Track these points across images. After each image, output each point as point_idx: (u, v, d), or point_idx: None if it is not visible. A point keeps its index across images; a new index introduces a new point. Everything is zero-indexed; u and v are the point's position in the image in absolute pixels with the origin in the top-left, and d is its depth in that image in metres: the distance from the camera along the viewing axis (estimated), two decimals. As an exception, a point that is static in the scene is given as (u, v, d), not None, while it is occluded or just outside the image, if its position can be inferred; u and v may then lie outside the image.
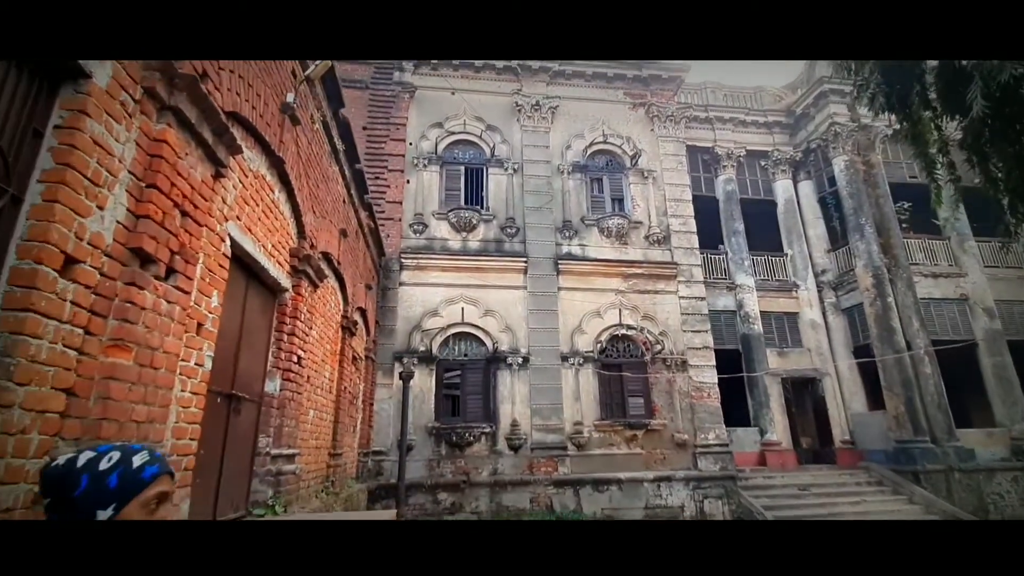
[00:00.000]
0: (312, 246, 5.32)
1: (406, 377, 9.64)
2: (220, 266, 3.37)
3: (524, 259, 11.87)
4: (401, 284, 11.38)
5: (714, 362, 11.93)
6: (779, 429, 13.28)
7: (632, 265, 12.27)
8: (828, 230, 15.23)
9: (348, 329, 7.59)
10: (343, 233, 6.89)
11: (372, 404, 10.20)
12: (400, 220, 11.86)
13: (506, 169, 12.67)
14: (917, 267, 13.82)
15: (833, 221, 15.06)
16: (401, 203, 11.97)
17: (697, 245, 12.80)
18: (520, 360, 11.13)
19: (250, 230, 3.84)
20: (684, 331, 12.01)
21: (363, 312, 9.10)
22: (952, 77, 5.88)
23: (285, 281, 4.73)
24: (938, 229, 14.49)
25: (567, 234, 12.36)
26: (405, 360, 10.71)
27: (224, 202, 3.40)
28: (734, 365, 13.40)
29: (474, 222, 12.02)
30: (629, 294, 12.09)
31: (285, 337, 4.80)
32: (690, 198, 13.24)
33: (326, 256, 6.04)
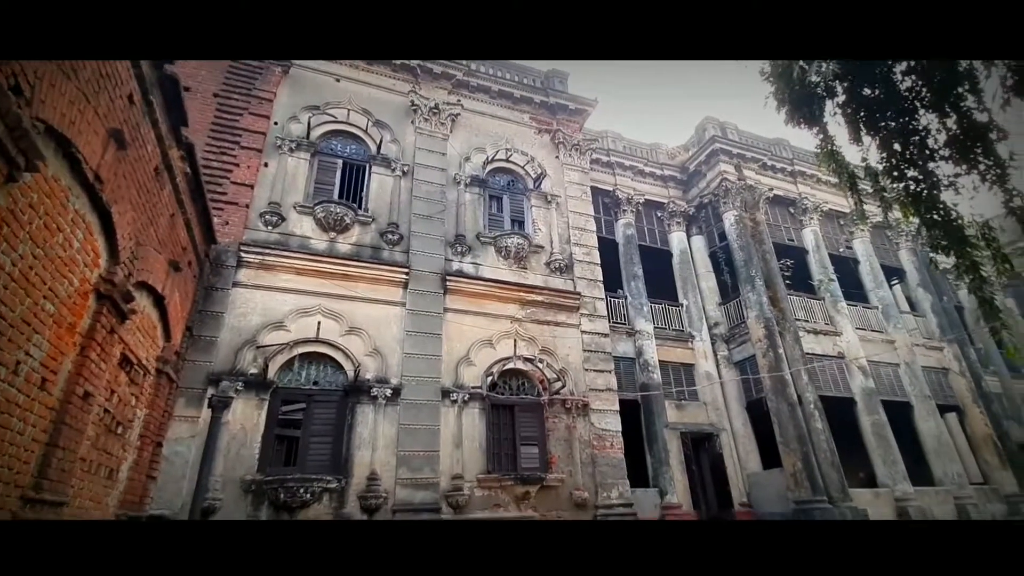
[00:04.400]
0: None
1: (217, 405, 6.72)
2: None
3: (406, 270, 9.75)
4: (236, 285, 8.57)
5: (618, 407, 10.41)
6: (679, 490, 11.92)
7: (531, 291, 10.69)
8: (719, 284, 15.21)
9: (113, 303, 4.82)
10: (115, 137, 4.40)
11: (161, 444, 6.99)
12: (248, 207, 9.24)
13: (393, 170, 10.79)
14: (800, 323, 14.00)
15: (724, 275, 15.08)
16: (252, 187, 9.41)
17: (601, 278, 11.66)
18: (389, 392, 8.66)
19: None
20: (586, 370, 10.44)
21: (159, 299, 6.27)
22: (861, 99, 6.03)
23: None
24: (814, 289, 15.08)
25: (459, 249, 10.56)
26: (224, 383, 7.71)
27: None
28: (633, 417, 12.06)
29: (347, 221, 9.77)
30: (527, 323, 10.38)
31: None
32: (594, 229, 12.30)
33: (48, 127, 3.54)
